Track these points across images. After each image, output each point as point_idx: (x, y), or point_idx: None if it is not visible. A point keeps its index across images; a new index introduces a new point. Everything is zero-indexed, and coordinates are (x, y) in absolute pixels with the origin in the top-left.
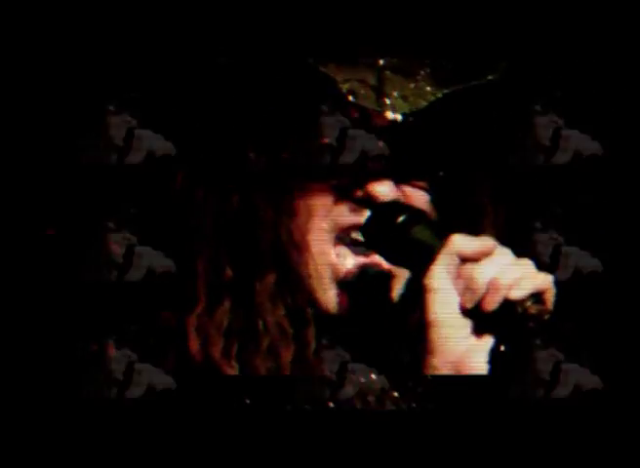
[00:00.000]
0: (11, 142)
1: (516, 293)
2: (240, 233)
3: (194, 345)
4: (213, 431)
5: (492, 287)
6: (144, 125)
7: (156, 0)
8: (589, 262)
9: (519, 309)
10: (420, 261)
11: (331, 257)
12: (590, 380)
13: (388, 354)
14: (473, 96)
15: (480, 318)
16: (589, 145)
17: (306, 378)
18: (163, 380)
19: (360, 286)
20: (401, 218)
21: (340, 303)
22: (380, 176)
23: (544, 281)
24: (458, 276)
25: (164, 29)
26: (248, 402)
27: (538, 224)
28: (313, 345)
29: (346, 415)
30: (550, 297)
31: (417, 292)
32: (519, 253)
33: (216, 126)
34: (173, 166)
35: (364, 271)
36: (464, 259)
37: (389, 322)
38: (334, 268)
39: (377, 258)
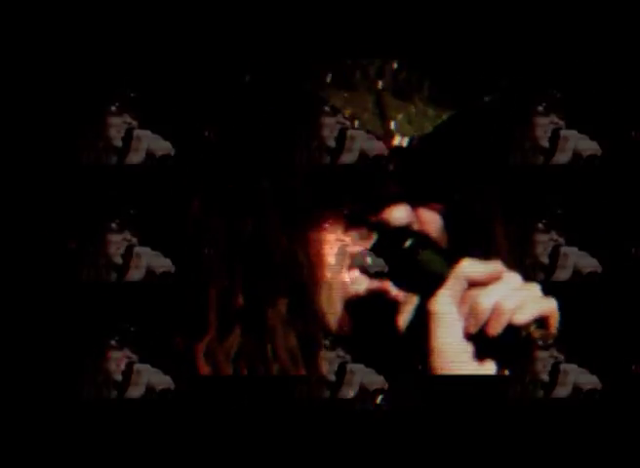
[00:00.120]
0: (10, 143)
1: (520, 318)
2: (253, 260)
3: (203, 371)
4: (212, 431)
5: (495, 311)
6: (144, 126)
7: (156, 0)
8: (589, 263)
9: (523, 334)
10: (429, 286)
11: (344, 283)
12: (589, 381)
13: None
14: (477, 117)
15: (484, 343)
16: (589, 146)
17: (305, 379)
18: (162, 381)
19: (371, 311)
20: (408, 243)
21: (351, 328)
22: (395, 201)
23: (549, 306)
24: (463, 301)
25: (167, 31)
26: (247, 402)
27: (538, 225)
28: (324, 370)
29: (345, 416)
30: (555, 322)
31: (422, 317)
32: (519, 254)
33: (229, 154)
34: (188, 193)
35: (376, 297)
36: (473, 284)
37: (398, 347)
38: (346, 294)
39: (389, 284)
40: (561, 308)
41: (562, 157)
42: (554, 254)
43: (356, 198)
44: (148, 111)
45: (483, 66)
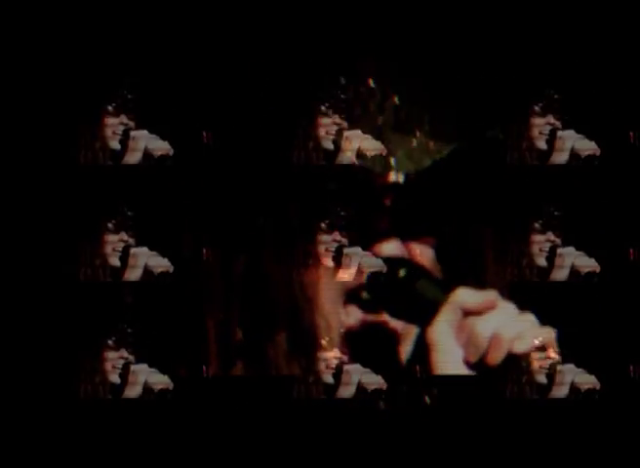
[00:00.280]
0: (7, 144)
1: (520, 347)
2: (250, 295)
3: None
4: (211, 431)
5: (494, 341)
6: (142, 126)
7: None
8: (587, 263)
9: (523, 363)
10: (425, 315)
11: (340, 317)
12: (588, 381)
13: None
14: (476, 152)
15: (484, 371)
16: (587, 146)
17: (304, 379)
18: (161, 381)
19: (371, 344)
20: (402, 273)
21: (352, 360)
22: (386, 235)
23: (548, 334)
24: (460, 330)
25: (164, 31)
26: (247, 401)
27: (535, 225)
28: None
29: (343, 415)
30: (554, 351)
31: (422, 346)
32: (515, 256)
33: (223, 191)
34: (181, 228)
35: (374, 329)
36: (468, 312)
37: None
38: (344, 327)
39: (385, 317)
40: (560, 308)
41: (560, 157)
42: (552, 255)
43: (350, 231)
44: (146, 111)
45: (486, 100)
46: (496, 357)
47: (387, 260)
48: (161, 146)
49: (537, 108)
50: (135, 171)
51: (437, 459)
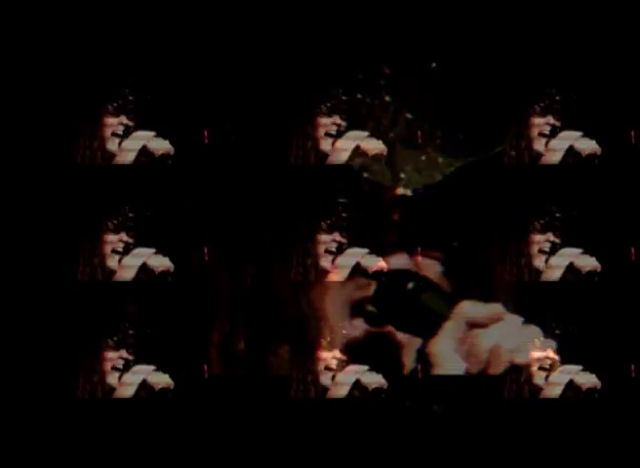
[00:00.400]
0: (6, 143)
1: (520, 359)
2: (256, 307)
3: None
4: (212, 431)
5: (494, 352)
6: (142, 125)
7: (155, 1)
8: (587, 262)
9: (524, 375)
10: (430, 329)
11: (346, 330)
12: (588, 380)
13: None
14: (484, 167)
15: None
16: (587, 145)
17: (302, 378)
18: (161, 380)
19: (373, 357)
20: (410, 285)
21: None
22: (394, 249)
23: (549, 347)
24: (463, 342)
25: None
26: (246, 400)
27: (535, 224)
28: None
29: (342, 415)
30: (555, 363)
31: (424, 358)
32: (516, 253)
33: (232, 208)
34: (182, 227)
35: (377, 342)
36: (473, 325)
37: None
38: (348, 340)
39: (391, 329)
40: (560, 307)
41: (561, 157)
42: (552, 254)
43: (351, 231)
44: (146, 111)
45: (496, 115)
46: (496, 368)
47: (394, 273)
48: (162, 146)
49: (537, 108)
50: (135, 170)
51: (437, 459)
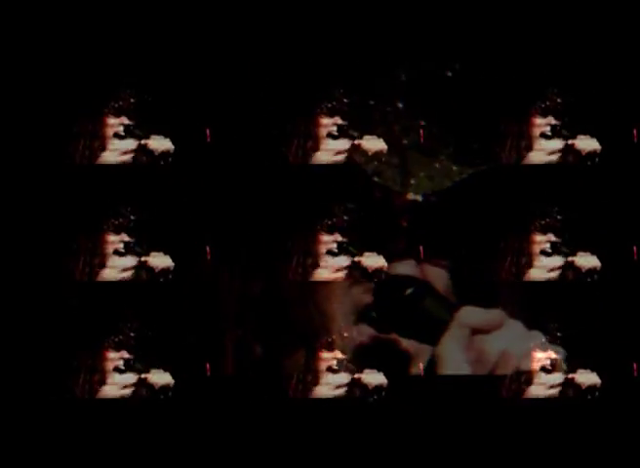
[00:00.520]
0: (5, 143)
1: (527, 365)
2: (266, 313)
3: None
4: (212, 430)
5: (502, 359)
6: (142, 125)
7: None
8: (588, 261)
9: (530, 380)
10: (433, 335)
11: (352, 336)
12: (589, 378)
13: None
14: (495, 175)
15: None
16: (588, 144)
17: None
18: (161, 379)
19: (380, 363)
20: (409, 291)
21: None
22: (401, 255)
23: (555, 352)
24: (468, 348)
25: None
26: (246, 399)
27: (535, 223)
28: None
29: (341, 414)
30: (560, 368)
31: (432, 364)
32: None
33: (241, 215)
34: (182, 226)
35: (384, 348)
36: (475, 331)
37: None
38: (355, 346)
39: (396, 335)
40: (560, 306)
41: (560, 155)
42: (552, 252)
43: (353, 232)
44: (146, 110)
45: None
46: (503, 374)
47: (396, 279)
48: (162, 144)
49: (538, 107)
50: (135, 170)
51: (437, 459)
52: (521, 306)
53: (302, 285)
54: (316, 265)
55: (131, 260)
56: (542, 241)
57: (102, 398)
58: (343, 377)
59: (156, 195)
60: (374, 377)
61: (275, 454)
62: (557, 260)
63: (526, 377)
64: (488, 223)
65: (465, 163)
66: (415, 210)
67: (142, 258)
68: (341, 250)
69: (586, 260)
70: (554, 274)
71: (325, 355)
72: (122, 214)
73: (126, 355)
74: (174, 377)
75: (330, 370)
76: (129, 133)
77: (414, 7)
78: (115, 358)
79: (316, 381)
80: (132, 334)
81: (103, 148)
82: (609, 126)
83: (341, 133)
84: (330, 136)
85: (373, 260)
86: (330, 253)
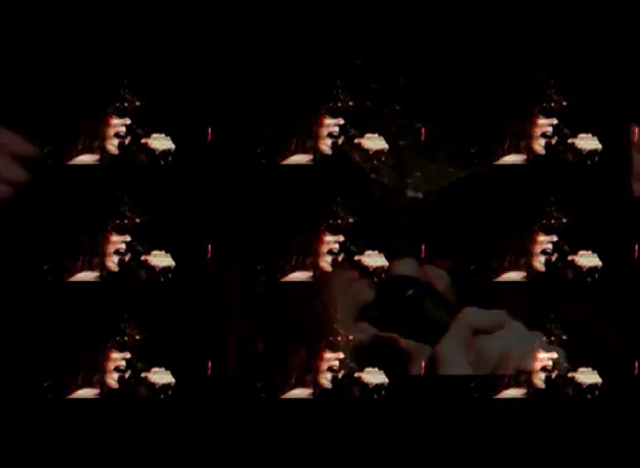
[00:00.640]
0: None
1: (528, 366)
2: (270, 311)
3: None
4: (212, 430)
5: (503, 359)
6: (142, 124)
7: (156, 1)
8: (589, 259)
9: (530, 380)
10: (433, 336)
11: (352, 334)
12: (590, 377)
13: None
14: (495, 175)
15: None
16: (588, 143)
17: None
18: (161, 379)
19: (380, 362)
20: (410, 292)
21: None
22: (402, 255)
23: (555, 353)
24: (470, 348)
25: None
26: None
27: (536, 222)
28: None
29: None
30: (561, 368)
31: (432, 365)
32: (518, 252)
33: (241, 213)
34: (184, 225)
35: (384, 347)
36: (477, 331)
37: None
38: (356, 344)
39: (396, 335)
40: (561, 305)
41: (560, 154)
42: (554, 251)
43: (354, 232)
44: (146, 109)
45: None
46: (504, 375)
47: (397, 279)
48: (163, 143)
49: (538, 107)
50: (135, 169)
51: (437, 459)
52: (522, 306)
53: (303, 284)
54: (317, 264)
55: (132, 260)
56: (543, 240)
57: (102, 398)
58: (344, 376)
59: (157, 194)
60: (374, 376)
61: (275, 454)
62: (558, 260)
63: (526, 377)
64: (488, 223)
65: (462, 164)
66: (416, 209)
67: (143, 258)
68: (342, 248)
69: (587, 259)
70: (555, 273)
71: (326, 354)
72: (122, 213)
73: (127, 354)
74: (174, 377)
75: (330, 369)
76: (130, 132)
77: (414, 7)
78: (116, 357)
79: (317, 380)
80: (132, 334)
81: (104, 148)
82: (610, 125)
83: (342, 132)
84: (330, 135)
85: (373, 259)
86: (331, 252)
